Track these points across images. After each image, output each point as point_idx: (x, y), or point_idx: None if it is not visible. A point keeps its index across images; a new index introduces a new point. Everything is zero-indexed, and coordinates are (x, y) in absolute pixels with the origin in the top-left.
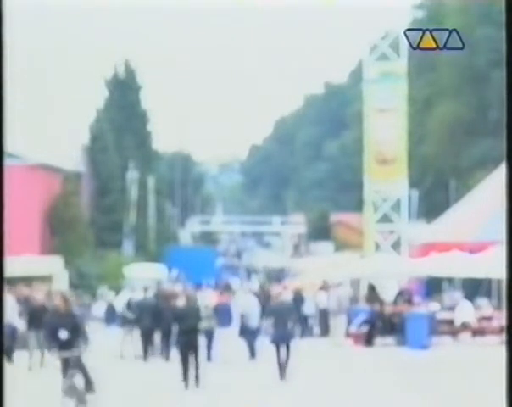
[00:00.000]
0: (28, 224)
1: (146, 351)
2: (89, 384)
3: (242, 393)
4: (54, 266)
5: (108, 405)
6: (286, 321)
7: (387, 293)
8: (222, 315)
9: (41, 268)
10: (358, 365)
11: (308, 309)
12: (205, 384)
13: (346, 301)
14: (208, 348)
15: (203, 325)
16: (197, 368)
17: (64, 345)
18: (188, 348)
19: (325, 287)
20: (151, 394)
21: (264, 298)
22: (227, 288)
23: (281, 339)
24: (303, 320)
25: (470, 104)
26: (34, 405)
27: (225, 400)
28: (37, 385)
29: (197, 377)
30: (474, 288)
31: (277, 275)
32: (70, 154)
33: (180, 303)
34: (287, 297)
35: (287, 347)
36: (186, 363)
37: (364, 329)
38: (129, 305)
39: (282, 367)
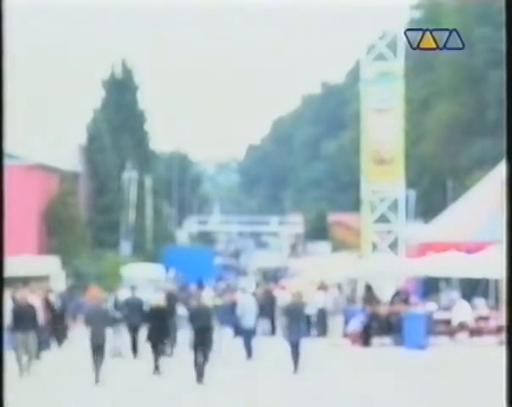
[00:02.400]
0: (25, 224)
1: (135, 349)
2: None
3: (241, 393)
4: (52, 266)
5: (106, 404)
6: (300, 321)
7: (385, 293)
8: (223, 314)
9: (38, 268)
10: (355, 365)
11: (306, 309)
12: (204, 383)
13: (343, 301)
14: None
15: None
16: (204, 365)
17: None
18: (199, 346)
19: (322, 287)
20: (149, 393)
21: (261, 298)
22: (224, 288)
23: (295, 337)
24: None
25: (468, 104)
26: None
27: (224, 399)
28: (28, 389)
29: (201, 374)
30: (471, 288)
31: (275, 276)
32: (68, 154)
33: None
34: (301, 298)
35: (298, 344)
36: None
37: (362, 329)
38: (116, 304)
39: (295, 363)
